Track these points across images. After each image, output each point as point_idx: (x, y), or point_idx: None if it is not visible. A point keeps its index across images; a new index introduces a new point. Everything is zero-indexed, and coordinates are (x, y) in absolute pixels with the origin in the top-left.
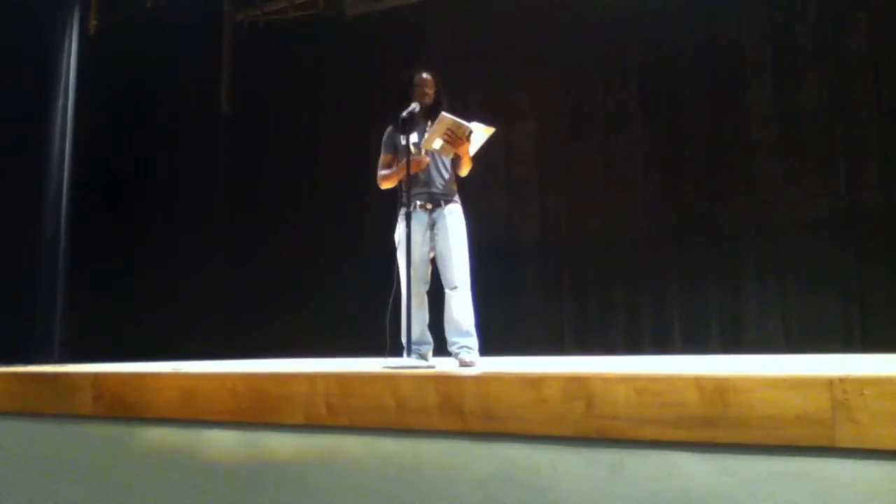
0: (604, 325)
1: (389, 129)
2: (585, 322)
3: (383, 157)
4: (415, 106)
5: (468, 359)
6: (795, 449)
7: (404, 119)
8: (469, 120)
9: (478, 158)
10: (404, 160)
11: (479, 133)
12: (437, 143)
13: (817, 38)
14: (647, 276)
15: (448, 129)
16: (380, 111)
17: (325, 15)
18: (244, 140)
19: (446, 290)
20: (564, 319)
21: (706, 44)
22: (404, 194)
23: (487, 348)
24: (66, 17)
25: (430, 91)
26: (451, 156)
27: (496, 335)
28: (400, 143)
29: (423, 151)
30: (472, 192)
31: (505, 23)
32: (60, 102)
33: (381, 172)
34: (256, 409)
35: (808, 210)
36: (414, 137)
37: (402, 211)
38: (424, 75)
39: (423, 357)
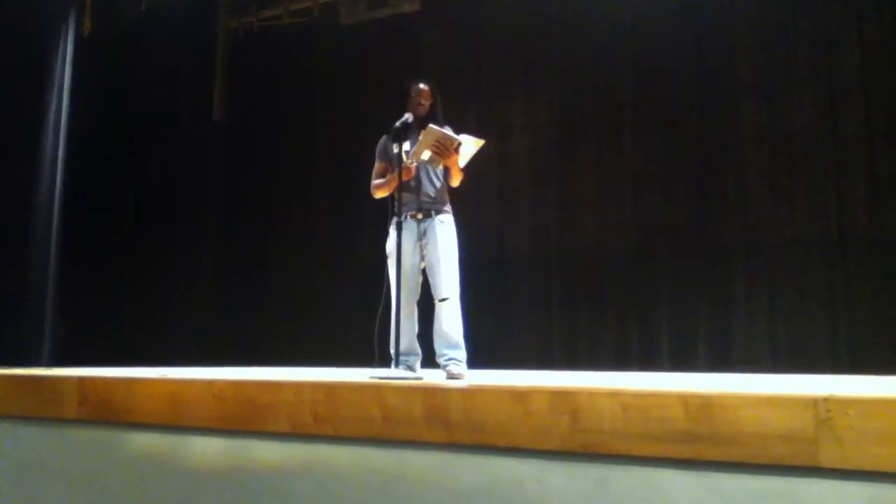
0: (592, 341)
1: (384, 138)
2: (574, 337)
3: (377, 166)
4: (408, 116)
5: (456, 371)
6: (779, 468)
7: (397, 129)
8: (460, 131)
9: (469, 171)
10: (395, 170)
11: (469, 145)
12: (426, 155)
13: (809, 58)
14: (636, 291)
15: (436, 141)
16: (373, 120)
17: (319, 23)
18: (236, 146)
19: (436, 302)
20: (553, 334)
21: (699, 62)
22: (396, 204)
23: (475, 361)
24: (61, 21)
25: (426, 102)
26: (440, 167)
27: (484, 348)
28: (393, 152)
29: (412, 163)
30: (463, 205)
31: (500, 36)
32: (54, 106)
33: (375, 182)
34: (242, 416)
35: (797, 229)
36: (407, 147)
37: (393, 220)
38: (421, 86)
39: (410, 368)
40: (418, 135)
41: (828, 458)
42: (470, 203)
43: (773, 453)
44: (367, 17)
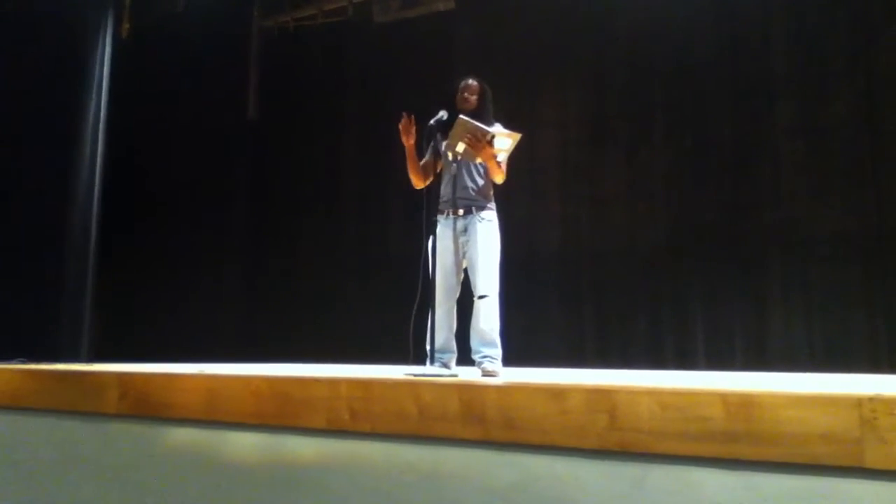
0: (624, 339)
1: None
2: (606, 335)
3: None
4: (442, 114)
5: (491, 368)
6: (822, 468)
7: (431, 127)
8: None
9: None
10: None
11: (503, 139)
12: (461, 147)
13: (846, 51)
14: (669, 289)
15: (468, 133)
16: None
17: (353, 22)
18: (269, 145)
19: (474, 299)
20: (585, 332)
21: (733, 55)
22: (435, 200)
23: (508, 358)
24: (99, 21)
25: (471, 97)
26: (474, 160)
27: (516, 345)
28: (440, 145)
29: (450, 157)
30: (494, 201)
31: (531, 32)
32: (93, 105)
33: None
34: (279, 412)
35: (834, 225)
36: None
37: (434, 217)
38: (470, 81)
39: (445, 365)
40: None
41: (873, 459)
42: (500, 199)
43: (815, 453)
44: (399, 15)
